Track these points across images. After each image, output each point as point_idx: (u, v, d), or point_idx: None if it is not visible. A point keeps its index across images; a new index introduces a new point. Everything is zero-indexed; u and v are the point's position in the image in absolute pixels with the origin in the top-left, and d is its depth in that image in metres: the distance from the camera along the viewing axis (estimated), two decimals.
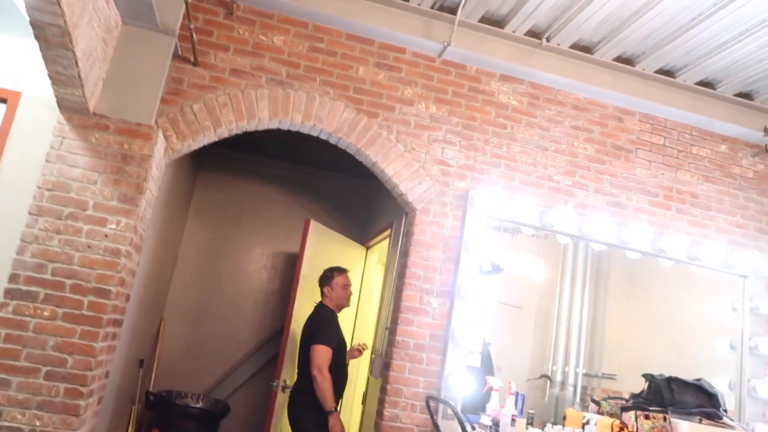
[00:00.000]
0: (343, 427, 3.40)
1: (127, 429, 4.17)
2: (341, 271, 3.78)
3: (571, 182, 3.79)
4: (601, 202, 3.81)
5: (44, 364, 2.72)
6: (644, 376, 3.58)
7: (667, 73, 3.88)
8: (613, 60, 3.78)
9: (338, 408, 3.53)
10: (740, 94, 3.98)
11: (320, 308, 3.72)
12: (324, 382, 3.37)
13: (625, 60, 3.82)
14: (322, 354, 3.43)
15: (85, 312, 2.80)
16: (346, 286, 3.76)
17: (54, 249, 2.82)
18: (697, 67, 3.73)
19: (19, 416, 2.67)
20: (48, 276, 2.79)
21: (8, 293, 2.75)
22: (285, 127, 3.49)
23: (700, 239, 3.90)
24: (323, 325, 3.59)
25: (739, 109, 4.01)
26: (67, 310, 2.78)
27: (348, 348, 3.85)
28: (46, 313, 2.76)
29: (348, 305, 3.80)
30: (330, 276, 3.75)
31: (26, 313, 2.74)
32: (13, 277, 2.76)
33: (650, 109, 3.98)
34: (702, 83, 3.93)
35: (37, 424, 2.67)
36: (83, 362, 2.75)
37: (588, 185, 3.81)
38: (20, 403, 2.67)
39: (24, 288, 2.76)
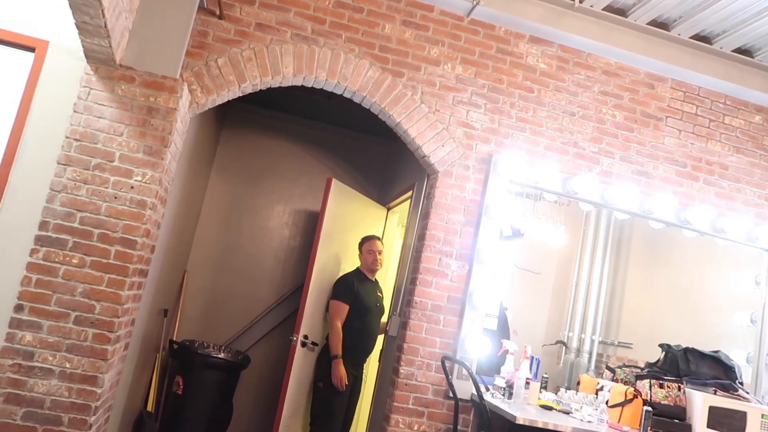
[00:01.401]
0: (343, 373, 3.79)
1: (152, 375, 4.32)
2: (368, 238, 4.20)
3: (597, 149, 3.73)
4: (627, 170, 3.75)
5: (73, 309, 2.82)
6: (661, 345, 3.59)
7: (703, 39, 3.75)
8: (647, 24, 3.66)
9: (362, 368, 4.07)
10: None
11: (352, 272, 4.19)
12: (332, 332, 3.90)
13: (660, 24, 3.70)
14: (332, 307, 3.98)
15: (112, 261, 2.87)
16: (371, 251, 4.11)
17: (82, 198, 2.88)
18: (735, 34, 3.60)
19: (50, 358, 2.78)
20: (76, 225, 2.86)
21: (38, 240, 2.83)
22: (309, 84, 3.47)
23: (726, 211, 3.83)
24: (339, 284, 4.08)
25: None
26: (95, 258, 2.86)
27: (384, 314, 4.16)
28: (74, 261, 2.84)
29: (376, 268, 4.12)
30: (360, 244, 4.22)
31: (56, 259, 2.83)
32: (43, 225, 2.84)
33: (683, 77, 3.87)
34: (739, 51, 3.79)
35: (67, 365, 2.79)
36: (110, 309, 2.84)
37: (614, 153, 3.75)
38: (51, 346, 2.78)
39: (53, 235, 2.84)
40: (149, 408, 4.25)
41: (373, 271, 4.15)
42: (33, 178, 2.89)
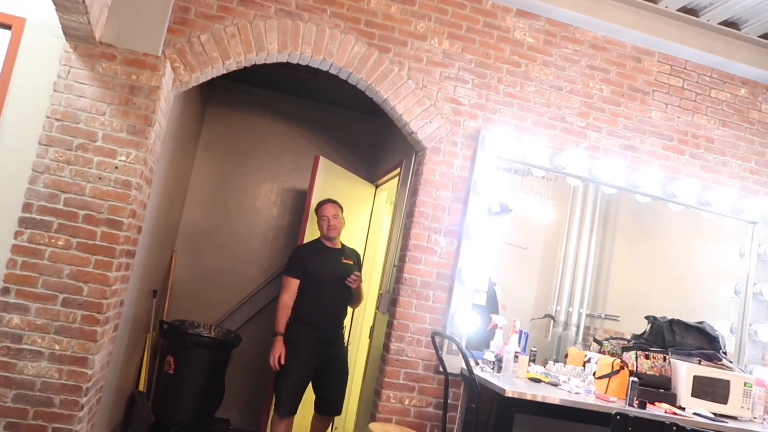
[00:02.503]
0: (277, 351, 3.57)
1: (143, 355, 4.33)
2: (319, 204, 3.90)
3: (584, 124, 3.73)
4: (614, 144, 3.76)
5: (61, 291, 2.80)
6: (647, 317, 3.64)
7: (690, 11, 3.73)
8: None
9: (337, 344, 3.81)
10: (766, 36, 3.84)
11: (309, 242, 3.99)
12: (277, 308, 3.70)
13: None
14: (282, 283, 3.78)
15: (98, 242, 2.85)
16: (323, 217, 3.83)
17: (65, 179, 2.84)
18: (722, 6, 3.58)
19: (39, 340, 2.77)
20: (61, 206, 2.83)
21: (22, 222, 2.79)
22: (294, 60, 3.42)
23: (712, 184, 3.87)
24: (289, 257, 3.87)
25: (764, 51, 3.87)
26: (81, 239, 2.83)
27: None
28: (60, 243, 2.82)
29: (332, 235, 3.81)
30: (315, 210, 3.97)
31: (41, 241, 2.80)
32: (27, 206, 2.80)
33: (670, 50, 3.86)
34: (726, 23, 3.78)
35: (57, 347, 2.78)
36: (98, 290, 2.83)
37: (601, 127, 3.75)
38: (39, 328, 2.77)
39: (38, 217, 2.81)
40: (141, 388, 4.26)
41: (330, 239, 3.82)
42: (14, 159, 2.84)
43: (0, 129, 2.84)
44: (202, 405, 4.39)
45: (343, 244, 3.93)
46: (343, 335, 3.89)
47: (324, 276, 3.72)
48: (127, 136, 2.91)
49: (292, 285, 3.70)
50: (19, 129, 2.86)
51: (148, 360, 4.33)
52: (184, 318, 4.88)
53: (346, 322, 3.97)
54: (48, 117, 2.85)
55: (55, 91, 2.87)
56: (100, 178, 2.87)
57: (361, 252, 4.74)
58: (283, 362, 3.55)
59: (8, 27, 2.88)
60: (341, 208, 3.87)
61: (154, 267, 4.28)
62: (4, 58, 2.87)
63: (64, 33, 2.81)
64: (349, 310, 4.02)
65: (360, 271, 3.92)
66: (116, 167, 2.89)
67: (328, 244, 3.84)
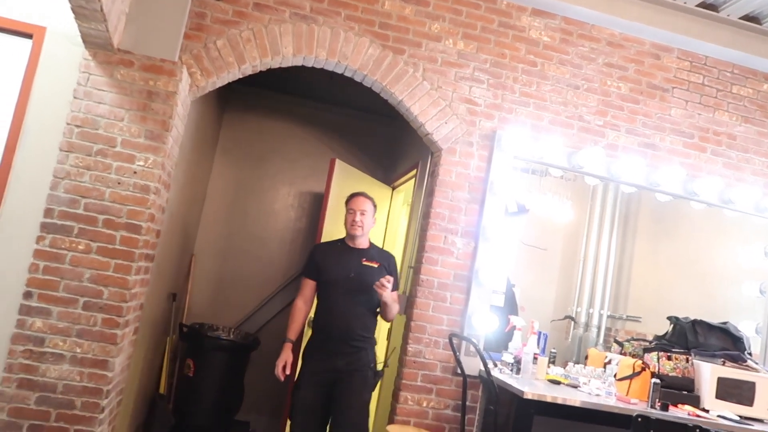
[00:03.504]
0: (283, 359, 3.12)
1: (163, 358, 4.37)
2: (350, 196, 3.33)
3: (602, 122, 3.69)
4: (633, 143, 3.71)
5: (81, 294, 2.84)
6: (669, 318, 3.58)
7: (709, 6, 3.67)
8: None
9: (348, 362, 3.09)
10: None
11: (333, 240, 3.46)
12: (291, 311, 3.29)
13: None
14: (300, 285, 3.34)
15: (117, 246, 2.89)
16: (349, 210, 3.28)
17: (85, 185, 2.89)
18: (741, 0, 3.52)
19: (60, 343, 2.81)
20: (81, 211, 2.87)
21: (44, 227, 2.84)
22: (309, 63, 3.44)
23: (734, 182, 3.79)
24: (307, 256, 3.41)
25: None
26: (101, 244, 2.87)
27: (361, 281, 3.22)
28: (81, 247, 2.86)
29: (354, 233, 3.23)
30: (346, 203, 3.38)
31: (62, 246, 2.85)
32: (48, 212, 2.85)
33: (690, 46, 3.79)
34: (746, 18, 3.71)
35: (78, 350, 2.82)
36: (118, 294, 2.86)
37: (620, 126, 3.71)
38: (61, 331, 2.81)
39: (59, 222, 2.85)
40: (161, 390, 4.31)
41: (353, 237, 3.26)
42: (36, 165, 2.90)
43: (22, 136, 2.90)
44: (221, 408, 4.42)
45: (372, 245, 3.35)
46: (365, 352, 3.14)
47: (335, 278, 3.18)
48: (145, 142, 2.95)
49: (305, 287, 3.27)
50: (40, 135, 2.91)
51: (168, 363, 4.37)
52: (204, 321, 4.93)
53: (382, 338, 3.43)
54: (68, 123, 2.90)
55: (75, 98, 2.92)
56: (119, 183, 2.91)
57: None
58: (288, 371, 3.11)
59: (29, 36, 2.94)
60: (374, 204, 3.32)
61: (174, 270, 4.33)
62: (26, 66, 2.93)
63: (84, 41, 2.86)
64: (385, 325, 3.46)
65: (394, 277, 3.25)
66: (135, 172, 2.93)
67: (351, 243, 3.28)
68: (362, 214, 3.23)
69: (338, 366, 3.07)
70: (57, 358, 2.80)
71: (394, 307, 3.16)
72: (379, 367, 3.18)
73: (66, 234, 2.85)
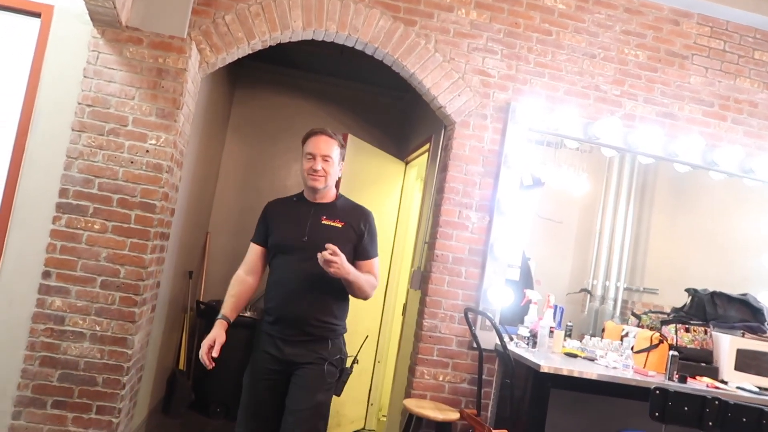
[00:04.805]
0: (212, 336, 2.34)
1: (182, 335, 4.43)
2: (307, 135, 2.40)
3: (619, 92, 3.60)
4: (651, 112, 3.63)
5: (99, 274, 2.87)
6: (687, 290, 3.54)
7: None
8: None
9: (299, 352, 2.28)
10: None
11: (287, 196, 2.58)
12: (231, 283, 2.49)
13: None
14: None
15: (132, 225, 2.90)
16: (307, 156, 2.36)
17: (99, 164, 2.89)
18: None
19: (80, 321, 2.85)
20: (95, 191, 2.88)
21: (59, 207, 2.86)
22: (319, 37, 3.38)
23: (755, 151, 3.70)
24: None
25: None
26: (116, 223, 2.89)
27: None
28: (96, 226, 2.88)
29: (313, 185, 2.34)
30: (302, 145, 2.42)
31: (78, 226, 2.86)
32: (63, 192, 2.86)
33: (710, 11, 3.67)
34: None
35: (97, 328, 2.85)
36: (135, 272, 2.89)
37: (637, 95, 3.62)
38: (80, 310, 2.85)
39: (74, 202, 2.87)
40: (181, 367, 4.37)
41: (314, 190, 2.36)
42: (49, 146, 2.90)
43: (34, 116, 2.90)
44: (240, 383, 4.47)
45: (341, 198, 2.47)
46: (325, 343, 2.31)
47: (285, 243, 2.35)
48: (156, 120, 2.94)
49: (250, 253, 2.48)
50: (52, 116, 2.91)
51: (186, 339, 4.43)
52: (220, 298, 4.95)
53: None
54: (79, 103, 2.89)
55: (85, 77, 2.90)
56: (131, 162, 2.91)
57: (392, 230, 4.70)
58: (216, 354, 2.32)
59: (37, 15, 2.92)
60: (341, 146, 2.42)
61: (189, 249, 4.36)
62: (35, 46, 2.91)
63: (92, 18, 2.83)
64: (360, 305, 2.53)
65: (364, 240, 2.37)
66: (147, 151, 2.92)
67: (310, 197, 2.42)
68: (325, 160, 2.34)
69: (289, 357, 2.29)
70: (77, 336, 2.84)
71: (363, 284, 2.28)
72: (349, 362, 2.41)
73: (81, 214, 2.87)
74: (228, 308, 2.44)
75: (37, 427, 2.79)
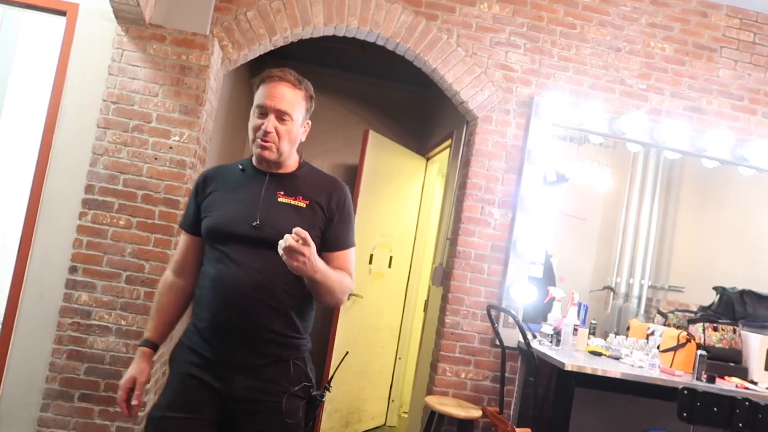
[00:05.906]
0: (136, 373, 1.73)
1: None
2: (260, 80, 1.74)
3: (645, 86, 3.54)
4: (678, 107, 3.55)
5: (124, 269, 2.90)
6: (715, 288, 3.47)
7: None
8: None
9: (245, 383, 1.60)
10: None
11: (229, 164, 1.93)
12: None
13: None
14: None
15: (157, 221, 2.93)
16: (258, 111, 1.72)
17: (123, 161, 2.92)
18: None
19: (106, 316, 2.88)
20: (120, 187, 2.91)
21: (85, 203, 2.90)
22: (340, 33, 3.37)
23: None
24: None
25: None
26: (141, 219, 2.92)
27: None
28: (121, 222, 2.91)
29: (260, 155, 1.72)
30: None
31: (103, 221, 2.90)
32: (89, 188, 2.90)
33: (739, 2, 3.59)
34: None
35: (123, 323, 2.89)
36: (159, 268, 2.91)
37: (664, 89, 3.55)
38: (106, 305, 2.89)
39: (99, 198, 2.90)
40: None
41: (264, 157, 1.71)
42: (75, 142, 2.94)
43: (60, 114, 2.94)
44: None
45: (305, 166, 1.84)
46: (286, 366, 1.65)
47: (227, 229, 1.66)
48: (179, 116, 2.96)
49: (180, 245, 1.82)
50: (77, 113, 2.95)
51: None
52: None
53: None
54: (104, 100, 2.93)
55: (109, 74, 2.93)
56: (156, 159, 2.94)
57: (413, 225, 4.67)
58: (137, 401, 1.69)
59: (63, 13, 2.95)
60: (309, 97, 1.77)
61: None
62: (62, 44, 2.95)
63: (116, 16, 2.86)
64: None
65: (334, 224, 1.71)
66: (171, 147, 2.95)
67: (262, 165, 1.77)
68: (281, 118, 1.69)
69: (232, 389, 1.60)
70: (103, 330, 2.88)
71: (334, 285, 1.63)
72: (321, 388, 1.77)
73: (107, 210, 2.90)
74: (152, 329, 1.78)
75: (65, 420, 2.84)
